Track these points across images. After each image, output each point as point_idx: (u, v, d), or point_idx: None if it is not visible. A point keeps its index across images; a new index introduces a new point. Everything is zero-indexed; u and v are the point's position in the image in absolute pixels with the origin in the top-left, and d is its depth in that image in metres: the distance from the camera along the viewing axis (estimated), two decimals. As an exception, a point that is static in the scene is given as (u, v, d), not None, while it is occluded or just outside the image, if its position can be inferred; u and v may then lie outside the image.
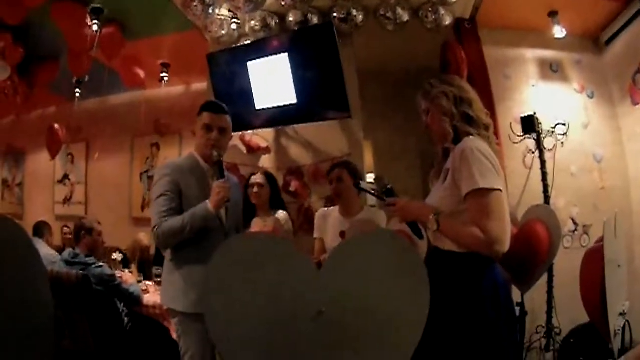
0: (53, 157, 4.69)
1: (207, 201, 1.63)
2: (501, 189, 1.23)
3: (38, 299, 0.87)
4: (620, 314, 1.90)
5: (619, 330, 1.87)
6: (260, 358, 1.05)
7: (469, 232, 1.23)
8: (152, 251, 3.63)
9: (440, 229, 1.29)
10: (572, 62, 3.56)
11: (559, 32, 3.28)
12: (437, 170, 1.43)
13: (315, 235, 2.31)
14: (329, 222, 2.24)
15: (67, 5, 3.25)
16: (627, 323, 1.91)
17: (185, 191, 1.67)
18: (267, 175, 2.42)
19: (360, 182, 1.82)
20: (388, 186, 1.51)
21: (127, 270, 3.22)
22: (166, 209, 1.62)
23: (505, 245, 1.21)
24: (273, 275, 1.08)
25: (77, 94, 4.46)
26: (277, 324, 1.05)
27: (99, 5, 3.20)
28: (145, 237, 3.72)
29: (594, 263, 2.04)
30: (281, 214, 2.34)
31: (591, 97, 3.53)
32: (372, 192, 1.63)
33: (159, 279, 3.04)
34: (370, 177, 3.56)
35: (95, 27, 3.23)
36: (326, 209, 2.35)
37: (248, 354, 1.05)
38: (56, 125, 4.47)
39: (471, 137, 1.31)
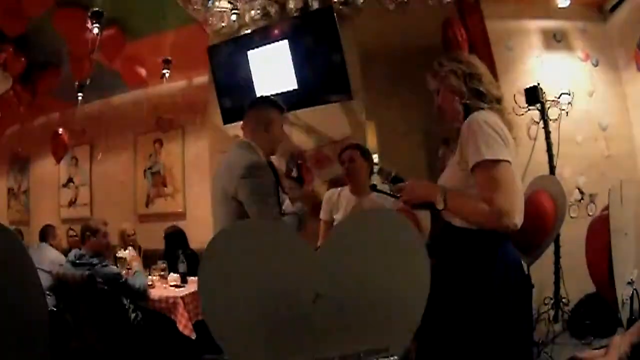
0: (58, 161, 4.72)
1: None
2: (509, 160, 1.19)
3: (31, 307, 0.89)
4: (628, 283, 1.88)
5: (627, 299, 1.86)
6: (257, 344, 1.04)
7: (475, 207, 1.19)
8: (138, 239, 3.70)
9: (447, 207, 1.25)
10: (577, 30, 3.50)
11: (562, 1, 3.23)
12: (452, 149, 1.38)
13: (321, 217, 2.30)
14: (341, 201, 2.24)
15: (68, 11, 3.26)
16: (635, 292, 1.88)
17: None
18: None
19: (376, 184, 1.76)
20: (392, 174, 1.46)
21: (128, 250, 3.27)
22: (277, 211, 1.61)
23: (514, 218, 1.16)
24: (269, 259, 1.07)
25: (80, 98, 4.46)
26: (274, 309, 1.04)
27: (99, 9, 3.19)
28: (129, 226, 3.79)
29: (599, 233, 2.03)
30: None
31: (596, 65, 3.48)
32: (388, 192, 1.56)
33: (163, 273, 3.11)
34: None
35: (96, 30, 3.22)
36: (336, 189, 2.33)
37: (244, 340, 1.04)
38: (60, 130, 4.49)
39: (481, 110, 1.27)
